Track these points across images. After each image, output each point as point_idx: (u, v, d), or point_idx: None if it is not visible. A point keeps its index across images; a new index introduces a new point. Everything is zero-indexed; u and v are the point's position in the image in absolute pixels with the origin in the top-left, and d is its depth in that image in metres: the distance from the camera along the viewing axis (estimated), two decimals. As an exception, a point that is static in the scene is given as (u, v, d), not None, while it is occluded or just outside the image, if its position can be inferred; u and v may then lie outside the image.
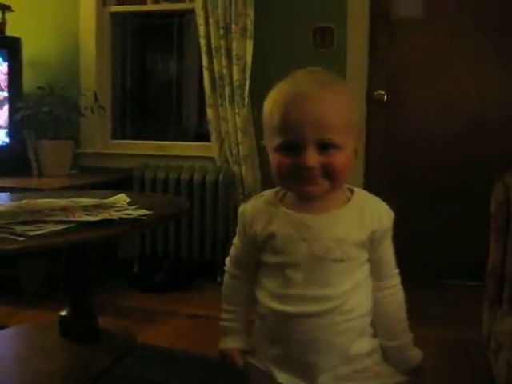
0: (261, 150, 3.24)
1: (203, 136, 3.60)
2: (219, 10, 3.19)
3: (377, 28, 3.25)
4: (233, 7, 3.16)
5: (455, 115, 3.21)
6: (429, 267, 3.22)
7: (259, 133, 3.25)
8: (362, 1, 3.20)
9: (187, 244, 3.31)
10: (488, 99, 3.17)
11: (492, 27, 3.12)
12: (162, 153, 3.55)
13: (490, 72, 3.16)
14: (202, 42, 3.26)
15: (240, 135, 3.22)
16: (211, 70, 3.27)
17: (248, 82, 3.16)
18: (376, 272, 1.11)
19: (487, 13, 3.13)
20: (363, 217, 1.07)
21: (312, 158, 1.00)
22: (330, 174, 1.02)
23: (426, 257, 3.23)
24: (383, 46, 3.27)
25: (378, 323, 1.12)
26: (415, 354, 1.16)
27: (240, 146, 3.24)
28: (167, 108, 4.28)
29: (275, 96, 1.06)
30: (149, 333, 2.48)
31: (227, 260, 1.22)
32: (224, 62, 3.20)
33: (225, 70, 3.21)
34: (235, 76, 3.18)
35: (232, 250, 1.21)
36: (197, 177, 3.26)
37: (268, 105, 1.07)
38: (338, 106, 1.02)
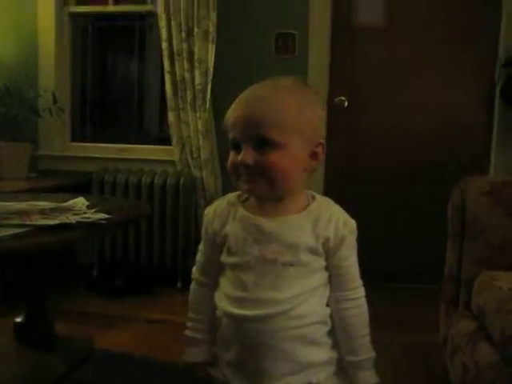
0: (222, 155, 3.26)
1: (164, 139, 3.57)
2: (181, 12, 3.17)
3: (338, 35, 3.29)
4: (195, 10, 3.15)
5: (415, 123, 3.27)
6: (388, 271, 3.27)
7: (220, 137, 3.25)
8: (324, 7, 3.23)
9: (147, 249, 3.28)
10: (448, 107, 3.23)
11: (452, 36, 3.20)
12: (123, 156, 3.51)
13: (450, 80, 3.22)
14: (164, 45, 3.24)
15: (201, 139, 3.21)
16: (173, 74, 3.25)
17: (210, 86, 3.16)
18: (336, 282, 1.10)
19: (448, 22, 3.20)
20: (317, 224, 1.07)
21: (247, 154, 1.01)
22: (267, 172, 1.01)
23: (386, 261, 3.28)
24: (345, 52, 3.31)
25: (339, 335, 1.11)
26: (371, 376, 1.12)
27: (201, 150, 3.23)
28: (128, 111, 4.24)
29: (236, 99, 1.08)
30: (108, 338, 2.45)
31: (194, 268, 1.20)
32: (186, 65, 3.19)
33: (186, 74, 3.19)
34: (197, 80, 3.17)
35: (198, 256, 1.20)
36: (157, 181, 3.24)
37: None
38: (283, 105, 1.02)
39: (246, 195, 1.12)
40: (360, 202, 3.24)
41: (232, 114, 1.05)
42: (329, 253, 1.08)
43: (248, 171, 1.02)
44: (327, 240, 1.06)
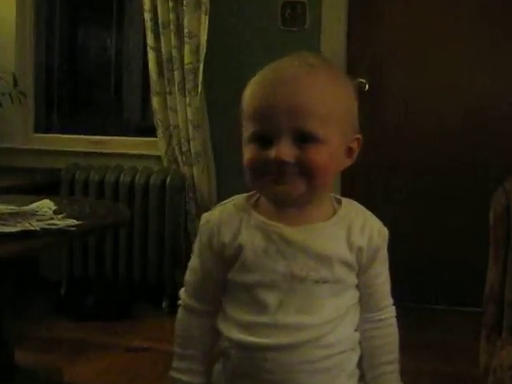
0: (217, 148, 3.26)
1: (148, 130, 3.58)
2: (168, -23, 3.19)
3: (357, 5, 3.28)
4: (185, -25, 3.16)
5: (449, 109, 3.28)
6: (418, 290, 3.26)
7: (215, 127, 3.26)
8: (340, -29, 3.24)
9: (126, 262, 3.28)
10: (488, 91, 3.23)
11: (495, 8, 3.18)
12: (97, 150, 3.51)
13: (493, 59, 3.22)
14: (147, 16, 3.24)
15: (192, 129, 3.21)
16: (158, 51, 3.25)
17: (202, 66, 3.16)
18: (365, 302, 1.11)
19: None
20: (351, 233, 1.07)
21: (286, 150, 0.99)
22: (307, 171, 1.00)
23: (414, 278, 3.27)
24: (365, 26, 3.31)
25: (363, 362, 1.11)
26: None
27: (192, 143, 3.23)
28: (104, 96, 4.26)
29: (254, 80, 1.06)
30: (79, 369, 2.45)
31: (182, 291, 1.16)
32: (173, 40, 3.19)
33: (174, 51, 3.20)
34: (187, 58, 3.17)
35: (188, 276, 1.15)
36: (139, 180, 3.24)
37: (246, 90, 1.07)
38: (323, 91, 1.02)
39: (255, 198, 1.11)
40: (383, 203, 3.24)
41: (258, 99, 1.03)
42: (361, 268, 1.08)
43: (284, 170, 1.00)
44: (360, 251, 1.07)
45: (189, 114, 3.22)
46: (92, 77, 4.36)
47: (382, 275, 1.12)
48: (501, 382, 1.71)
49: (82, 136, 3.68)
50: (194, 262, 1.14)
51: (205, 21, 3.14)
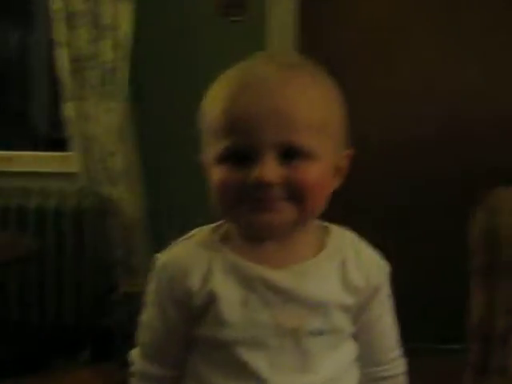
0: (146, 164, 3.24)
1: (59, 143, 3.54)
2: (82, -42, 3.17)
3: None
4: (102, -45, 3.15)
5: (421, 115, 3.32)
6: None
7: (143, 138, 3.25)
8: None
9: (38, 303, 3.24)
10: (467, 93, 3.29)
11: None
12: (-3, 168, 3.47)
13: (471, 55, 3.28)
14: (57, 4, 3.22)
15: (115, 141, 3.21)
16: (70, 47, 3.22)
17: (126, 65, 3.16)
18: (365, 354, 1.10)
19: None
20: (346, 269, 1.05)
21: (272, 169, 0.95)
22: (298, 195, 0.97)
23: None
24: (319, 15, 3.35)
25: None
26: None
27: (115, 158, 3.22)
28: (5, 101, 4.20)
29: (219, 85, 1.03)
30: None
31: (135, 355, 1.12)
32: (89, 34, 3.18)
33: (91, 47, 3.18)
34: (107, 55, 3.16)
35: (143, 335, 1.11)
36: (50, 203, 3.20)
37: (208, 98, 1.04)
38: (311, 96, 1.00)
39: (223, 230, 1.08)
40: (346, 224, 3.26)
41: (234, 106, 0.98)
42: (358, 311, 1.07)
43: (269, 194, 0.96)
44: (357, 291, 1.05)
45: (111, 122, 3.21)
46: (-11, 79, 4.32)
47: (384, 318, 1.11)
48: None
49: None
50: (149, 317, 1.10)
51: (127, 10, 3.14)
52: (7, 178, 3.39)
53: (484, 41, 3.27)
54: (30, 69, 4.23)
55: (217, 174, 0.99)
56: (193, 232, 1.11)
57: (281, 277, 1.01)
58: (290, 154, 0.96)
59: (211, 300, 1.01)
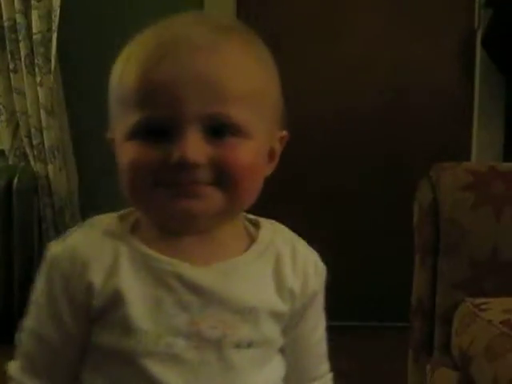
0: (78, 139, 3.21)
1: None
2: None
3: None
4: None
5: (360, 92, 3.34)
6: (330, 304, 3.29)
7: (75, 113, 3.23)
8: None
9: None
10: (406, 67, 3.33)
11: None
12: None
13: (409, 27, 3.31)
14: (-20, -29, 3.16)
15: (45, 117, 3.16)
16: (-3, 17, 3.19)
17: (56, 36, 3.11)
18: (294, 369, 0.98)
19: None
20: (280, 269, 0.93)
21: (196, 147, 0.80)
22: (226, 178, 0.83)
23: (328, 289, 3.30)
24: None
25: None
26: None
27: (45, 134, 3.18)
28: None
29: (134, 45, 0.88)
30: None
31: (14, 367, 0.93)
32: (17, 4, 3.12)
33: (18, 17, 3.13)
34: (35, 26, 3.12)
35: (28, 343, 0.94)
36: (-22, 182, 3.14)
37: (119, 64, 0.89)
38: (245, 64, 0.86)
39: (133, 219, 0.93)
40: (285, 209, 3.25)
41: (149, 70, 0.83)
42: (291, 320, 0.95)
43: (193, 177, 0.82)
44: (291, 296, 0.93)
45: (40, 96, 3.16)
46: None
47: (318, 331, 1.01)
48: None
49: None
50: (35, 321, 0.93)
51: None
52: None
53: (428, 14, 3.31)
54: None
55: (127, 153, 0.85)
56: (91, 220, 0.94)
57: (202, 275, 0.87)
58: (217, 129, 0.83)
59: (116, 300, 0.86)
